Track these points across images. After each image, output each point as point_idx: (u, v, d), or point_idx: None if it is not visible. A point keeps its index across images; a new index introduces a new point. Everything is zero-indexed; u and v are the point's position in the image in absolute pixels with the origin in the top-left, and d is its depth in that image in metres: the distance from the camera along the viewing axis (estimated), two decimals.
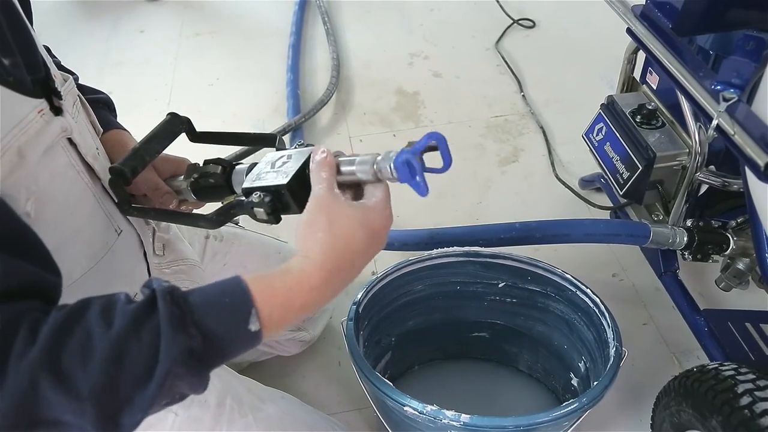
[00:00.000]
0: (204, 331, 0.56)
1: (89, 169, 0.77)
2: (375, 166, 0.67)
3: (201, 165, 0.86)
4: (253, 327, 0.58)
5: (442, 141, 0.64)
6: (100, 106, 0.92)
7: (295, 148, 0.77)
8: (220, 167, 0.83)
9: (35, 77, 0.68)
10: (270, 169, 0.73)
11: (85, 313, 0.55)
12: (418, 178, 0.64)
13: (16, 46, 0.65)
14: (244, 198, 0.72)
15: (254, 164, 0.79)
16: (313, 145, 0.75)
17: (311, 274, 0.62)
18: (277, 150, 0.82)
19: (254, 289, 0.59)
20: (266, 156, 0.78)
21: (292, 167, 0.71)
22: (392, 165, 0.65)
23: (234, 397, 0.93)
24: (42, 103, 0.67)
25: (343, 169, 0.70)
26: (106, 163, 0.82)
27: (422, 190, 0.64)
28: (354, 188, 0.71)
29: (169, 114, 0.87)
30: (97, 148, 0.81)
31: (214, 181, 0.83)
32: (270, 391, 1.04)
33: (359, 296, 1.08)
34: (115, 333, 0.53)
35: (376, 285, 1.11)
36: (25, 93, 0.65)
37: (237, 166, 0.83)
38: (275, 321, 0.60)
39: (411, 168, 0.64)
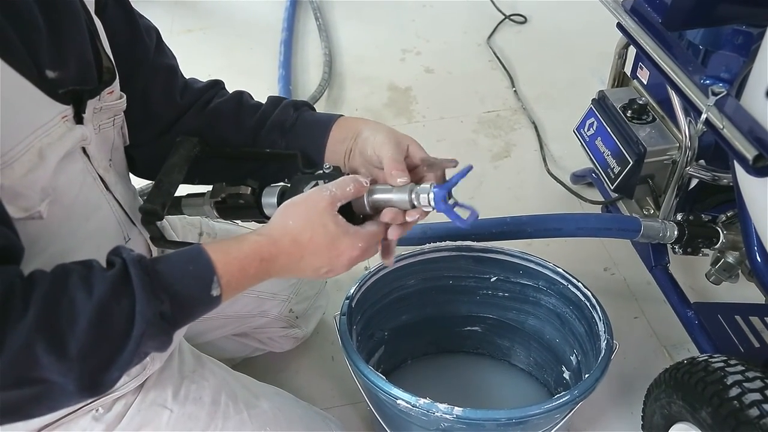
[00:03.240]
0: (172, 296, 0.62)
1: (102, 178, 0.78)
2: (413, 195, 0.73)
3: (225, 185, 0.87)
4: (215, 292, 0.64)
5: (474, 214, 0.74)
6: (306, 109, 0.95)
7: (324, 171, 0.79)
8: (249, 188, 0.84)
9: (80, 88, 0.71)
10: None
11: (67, 281, 0.59)
12: (452, 208, 0.72)
13: (66, 59, 0.68)
14: None
15: (285, 188, 0.82)
16: (340, 169, 0.80)
17: (263, 247, 0.68)
18: (300, 167, 0.83)
19: (215, 257, 0.64)
20: (294, 178, 0.80)
21: None
22: (430, 196, 0.72)
23: (228, 393, 0.94)
24: (67, 110, 0.68)
25: (379, 196, 0.75)
26: (117, 178, 0.83)
27: (460, 221, 0.72)
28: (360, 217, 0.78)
29: (179, 138, 0.88)
30: (110, 159, 0.81)
31: (244, 202, 0.85)
32: (264, 387, 1.04)
33: (352, 291, 1.09)
34: (96, 299, 0.58)
35: (368, 279, 1.12)
36: (55, 98, 0.66)
37: (267, 189, 0.85)
38: (233, 286, 0.66)
39: (447, 201, 0.72)
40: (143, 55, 0.86)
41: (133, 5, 0.86)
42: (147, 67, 0.87)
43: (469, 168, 0.72)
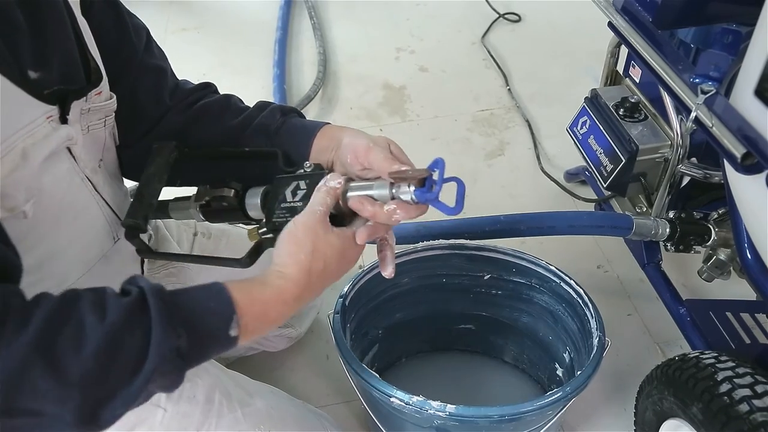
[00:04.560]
0: (190, 332, 0.59)
1: (89, 179, 0.78)
2: (394, 191, 0.71)
3: (209, 188, 0.87)
4: (233, 333, 0.62)
5: (461, 186, 0.71)
6: (294, 115, 0.93)
7: (305, 171, 0.79)
8: (233, 191, 0.84)
9: (65, 88, 0.70)
10: (292, 199, 0.76)
11: (76, 302, 0.56)
12: (436, 197, 0.69)
13: (49, 59, 0.67)
14: (271, 234, 0.76)
15: (268, 189, 0.81)
16: (322, 167, 0.79)
17: (287, 290, 0.67)
18: (282, 166, 0.83)
19: (236, 297, 0.63)
20: (276, 179, 0.80)
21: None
22: (411, 188, 0.70)
23: (222, 392, 0.93)
24: (52, 110, 0.68)
25: (356, 194, 0.73)
26: (107, 179, 0.83)
27: (447, 210, 0.69)
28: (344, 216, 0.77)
29: (155, 145, 0.87)
30: (101, 159, 0.81)
31: (228, 204, 0.84)
32: (258, 385, 1.04)
33: (346, 289, 1.09)
34: (108, 325, 0.55)
35: (362, 278, 1.12)
36: (39, 97, 0.66)
37: (250, 190, 0.84)
38: (251, 329, 0.64)
39: (430, 189, 0.69)
40: (131, 55, 0.86)
41: (125, 4, 0.85)
42: (135, 68, 0.86)
43: (441, 162, 0.69)
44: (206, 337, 0.61)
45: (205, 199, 0.86)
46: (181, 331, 0.58)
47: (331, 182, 0.73)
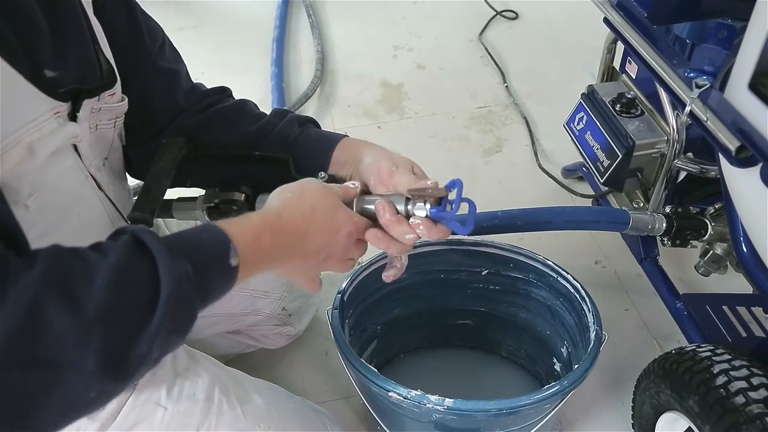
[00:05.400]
0: (193, 261, 0.57)
1: (93, 177, 0.78)
2: (409, 207, 0.71)
3: (219, 191, 0.86)
4: (233, 262, 0.60)
5: (472, 206, 0.71)
6: (310, 126, 0.92)
7: (319, 180, 0.79)
8: (243, 195, 0.84)
9: (80, 87, 0.70)
10: None
11: (75, 249, 0.53)
12: (450, 216, 0.70)
13: (67, 59, 0.68)
14: None
15: None
16: (335, 178, 0.80)
17: (270, 218, 0.67)
18: (293, 173, 0.83)
19: (226, 228, 0.62)
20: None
21: None
22: (427, 206, 0.70)
23: (222, 389, 0.93)
24: (61, 106, 0.68)
25: (370, 206, 0.74)
26: (111, 177, 0.83)
27: (459, 228, 0.70)
28: None
29: (163, 140, 0.87)
30: (105, 158, 0.81)
31: (238, 208, 0.84)
32: (258, 383, 1.04)
33: (344, 285, 1.09)
34: (112, 260, 0.52)
35: (360, 274, 1.12)
36: (50, 94, 0.66)
37: (260, 196, 0.84)
38: (249, 258, 0.62)
39: (444, 209, 0.70)
40: (143, 57, 0.85)
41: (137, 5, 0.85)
42: (147, 70, 0.86)
43: (459, 183, 0.70)
44: (208, 267, 0.59)
45: (213, 201, 0.86)
46: (184, 261, 0.56)
47: (348, 183, 0.75)
